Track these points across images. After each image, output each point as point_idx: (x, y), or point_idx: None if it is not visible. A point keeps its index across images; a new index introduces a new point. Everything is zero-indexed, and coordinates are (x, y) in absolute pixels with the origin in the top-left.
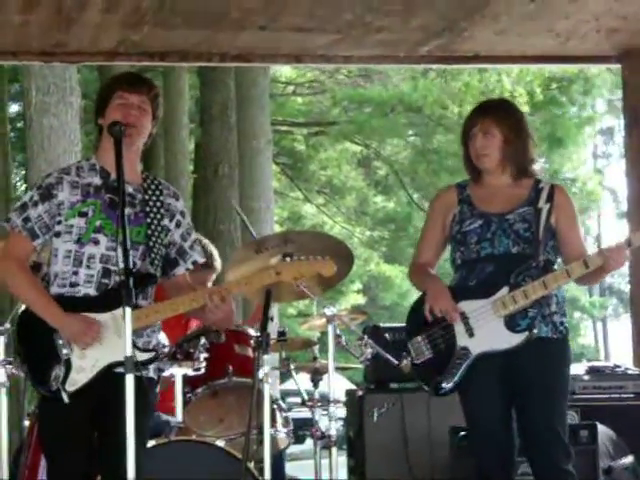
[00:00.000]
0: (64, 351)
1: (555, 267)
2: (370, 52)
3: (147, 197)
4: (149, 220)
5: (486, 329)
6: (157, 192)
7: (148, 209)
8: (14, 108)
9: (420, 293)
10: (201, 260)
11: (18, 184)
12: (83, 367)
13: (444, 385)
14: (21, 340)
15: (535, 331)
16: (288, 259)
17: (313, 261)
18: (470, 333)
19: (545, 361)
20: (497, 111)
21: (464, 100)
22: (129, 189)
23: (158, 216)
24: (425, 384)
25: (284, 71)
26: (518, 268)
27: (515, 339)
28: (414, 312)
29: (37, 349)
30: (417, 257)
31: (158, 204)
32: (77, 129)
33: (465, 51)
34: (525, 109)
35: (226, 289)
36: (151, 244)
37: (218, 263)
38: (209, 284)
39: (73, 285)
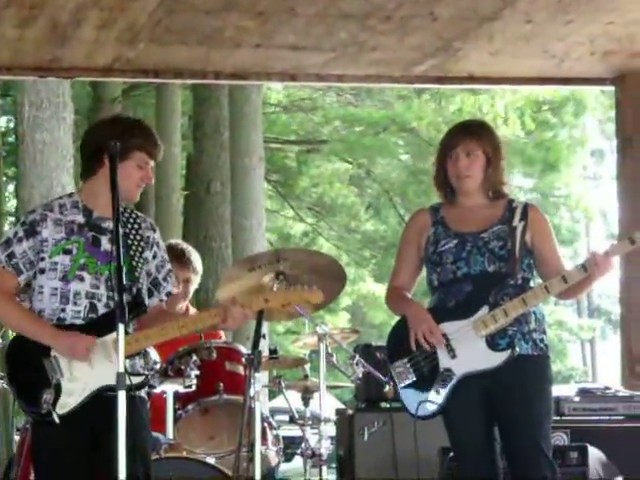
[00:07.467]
0: (54, 375)
1: (532, 285)
2: (364, 71)
3: (127, 231)
4: (132, 253)
5: (468, 350)
6: (136, 225)
7: (129, 242)
8: (4, 122)
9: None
10: (175, 291)
11: (7, 199)
12: (73, 390)
13: (429, 408)
14: (11, 367)
15: (517, 349)
16: (276, 286)
17: (301, 290)
18: (452, 354)
19: (526, 378)
20: (480, 132)
21: None
22: (110, 225)
23: (139, 249)
24: (409, 408)
25: (273, 93)
26: (496, 287)
27: (497, 358)
28: (394, 336)
29: (27, 375)
30: (393, 280)
31: (138, 237)
32: (69, 144)
33: (459, 71)
34: (518, 133)
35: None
36: (137, 275)
37: (197, 264)
38: (191, 286)
39: (61, 320)
